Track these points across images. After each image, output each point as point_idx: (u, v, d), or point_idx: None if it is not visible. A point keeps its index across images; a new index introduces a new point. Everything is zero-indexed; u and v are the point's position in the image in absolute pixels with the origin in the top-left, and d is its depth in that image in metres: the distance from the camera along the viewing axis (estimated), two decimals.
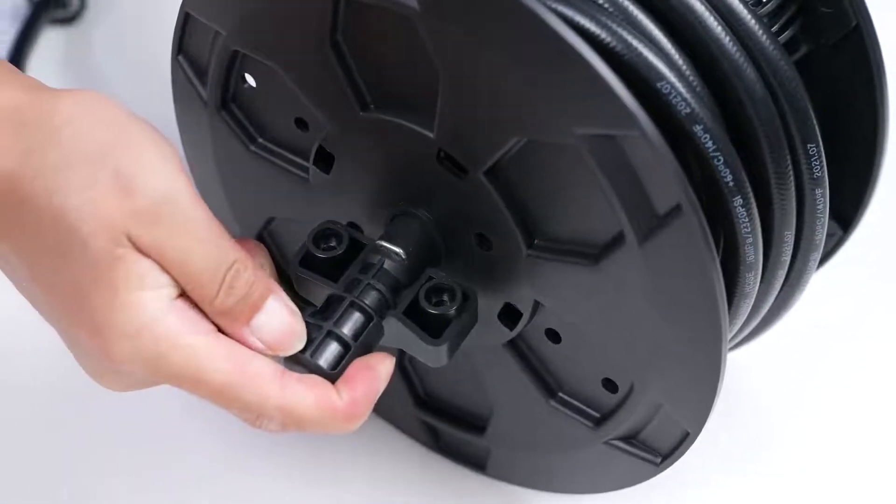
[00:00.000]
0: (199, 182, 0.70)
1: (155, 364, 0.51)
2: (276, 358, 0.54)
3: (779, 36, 0.59)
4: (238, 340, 0.53)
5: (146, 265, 0.50)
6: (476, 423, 0.68)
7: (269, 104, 0.62)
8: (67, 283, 0.51)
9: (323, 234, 0.59)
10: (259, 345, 0.53)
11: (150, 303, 0.50)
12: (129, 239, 0.50)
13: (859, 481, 0.71)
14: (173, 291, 0.51)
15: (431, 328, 0.57)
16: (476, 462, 0.70)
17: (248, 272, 0.53)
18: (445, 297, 0.57)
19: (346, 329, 0.55)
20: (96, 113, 0.52)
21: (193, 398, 0.53)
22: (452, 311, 0.57)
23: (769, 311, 0.64)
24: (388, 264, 0.58)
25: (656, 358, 0.57)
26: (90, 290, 0.50)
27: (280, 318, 0.54)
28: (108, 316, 0.50)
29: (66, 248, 0.50)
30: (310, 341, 0.55)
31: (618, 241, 0.54)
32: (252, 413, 0.53)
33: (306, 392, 0.53)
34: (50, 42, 0.94)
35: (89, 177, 0.50)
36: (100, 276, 0.50)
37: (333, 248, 0.58)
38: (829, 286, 0.71)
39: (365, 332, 0.56)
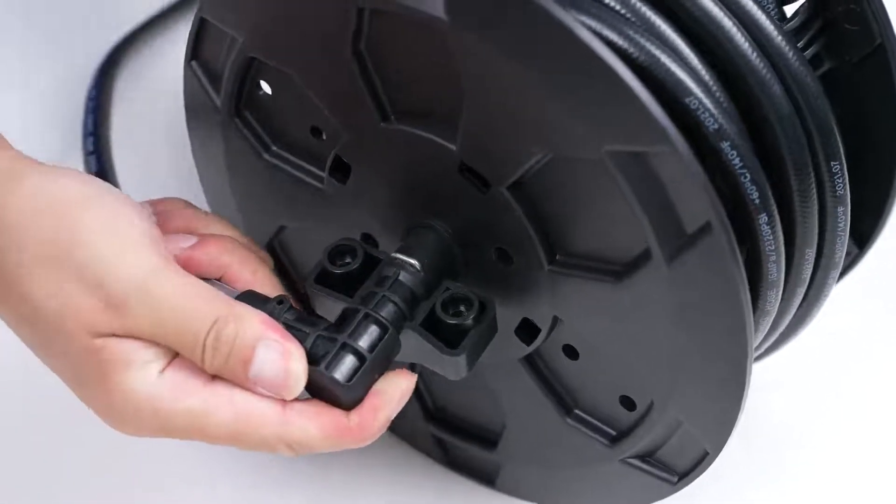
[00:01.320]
0: (210, 190, 0.69)
1: (162, 430, 0.54)
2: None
3: (803, 52, 0.58)
4: (244, 388, 0.54)
5: (128, 346, 0.53)
6: (487, 438, 0.67)
7: (284, 112, 0.61)
8: (64, 370, 0.54)
9: (338, 251, 0.58)
10: (264, 392, 0.54)
11: (140, 382, 0.53)
12: (108, 330, 0.52)
13: (881, 495, 0.70)
14: (163, 360, 0.53)
15: (449, 339, 0.56)
16: (485, 476, 0.69)
17: (230, 327, 0.53)
18: (462, 307, 0.56)
19: (362, 341, 0.55)
20: (44, 205, 0.53)
21: None
22: (470, 321, 0.56)
23: (786, 327, 0.63)
24: (403, 276, 0.57)
25: (678, 376, 0.56)
26: (85, 380, 0.53)
27: (273, 366, 0.53)
28: (107, 401, 0.53)
29: (54, 343, 0.53)
30: (324, 355, 0.54)
31: (643, 258, 0.53)
32: (262, 449, 0.54)
33: (309, 423, 0.54)
34: None
35: (55, 281, 0.52)
36: (89, 369, 0.53)
37: (348, 263, 0.58)
38: (845, 300, 0.70)
39: (381, 344, 0.55)
